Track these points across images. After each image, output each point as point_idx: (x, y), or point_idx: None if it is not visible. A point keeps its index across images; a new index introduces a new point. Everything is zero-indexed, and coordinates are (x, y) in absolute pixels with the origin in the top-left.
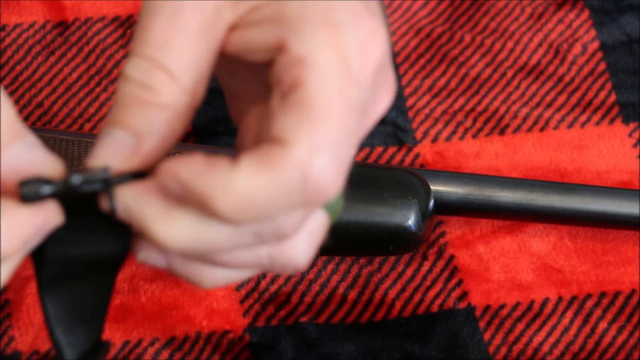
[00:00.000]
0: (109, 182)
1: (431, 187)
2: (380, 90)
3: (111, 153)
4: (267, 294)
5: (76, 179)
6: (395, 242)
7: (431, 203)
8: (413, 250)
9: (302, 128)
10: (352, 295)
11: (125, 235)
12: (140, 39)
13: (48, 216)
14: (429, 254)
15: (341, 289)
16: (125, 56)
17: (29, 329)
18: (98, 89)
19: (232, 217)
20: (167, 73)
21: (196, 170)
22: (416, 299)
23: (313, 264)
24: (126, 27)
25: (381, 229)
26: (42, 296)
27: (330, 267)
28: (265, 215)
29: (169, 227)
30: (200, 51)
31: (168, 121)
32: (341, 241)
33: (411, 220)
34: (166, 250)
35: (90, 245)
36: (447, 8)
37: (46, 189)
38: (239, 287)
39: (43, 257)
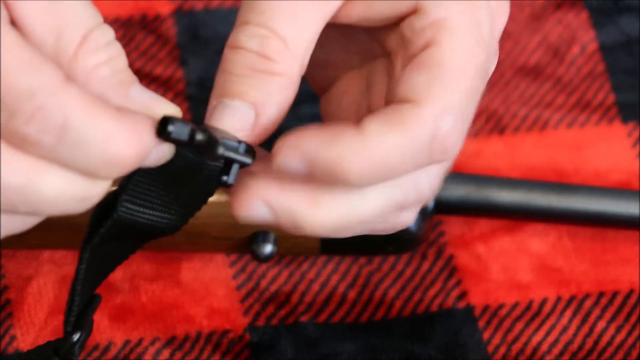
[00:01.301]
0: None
1: None
2: (495, 56)
3: (234, 125)
4: (267, 293)
5: (221, 150)
6: (394, 241)
7: (431, 203)
8: (412, 250)
9: (435, 88)
10: (352, 294)
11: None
12: (253, 6)
13: (164, 152)
14: (428, 254)
15: (341, 289)
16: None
17: (30, 328)
18: None
19: (364, 180)
20: (282, 41)
21: (322, 140)
22: (416, 298)
23: (313, 264)
24: (126, 28)
25: None
26: (87, 254)
27: (330, 266)
28: (393, 176)
29: (321, 215)
30: (315, 19)
31: (284, 91)
32: (340, 241)
33: None
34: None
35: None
36: None
37: (185, 133)
38: (239, 287)
39: (116, 211)
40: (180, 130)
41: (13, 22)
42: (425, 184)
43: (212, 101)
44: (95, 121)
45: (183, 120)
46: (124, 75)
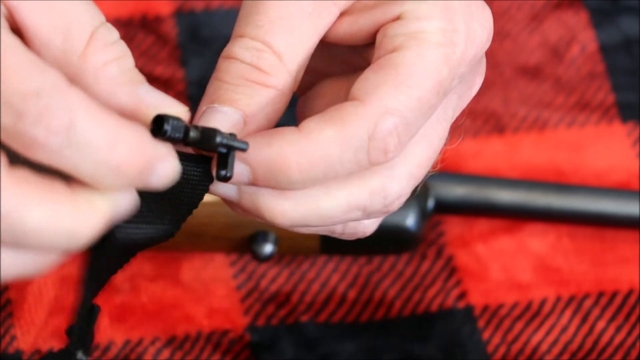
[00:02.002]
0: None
1: (430, 187)
2: (475, 75)
3: (223, 127)
4: (267, 293)
5: (220, 138)
6: (394, 241)
7: (430, 203)
8: (412, 250)
9: (383, 87)
10: (352, 294)
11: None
12: (249, 20)
13: (171, 162)
14: (428, 254)
15: (341, 289)
16: None
17: (31, 328)
18: None
19: (306, 178)
20: (276, 55)
21: (260, 140)
22: (415, 298)
23: (313, 263)
24: (127, 28)
25: (380, 228)
26: (90, 292)
27: (330, 266)
28: (336, 173)
29: (284, 206)
30: (310, 36)
31: (275, 103)
32: (340, 240)
33: (410, 220)
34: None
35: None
36: None
37: (181, 129)
38: (239, 287)
39: (113, 237)
40: (175, 127)
41: (17, 25)
42: (394, 193)
43: (202, 106)
44: (100, 124)
45: (176, 117)
46: (132, 74)
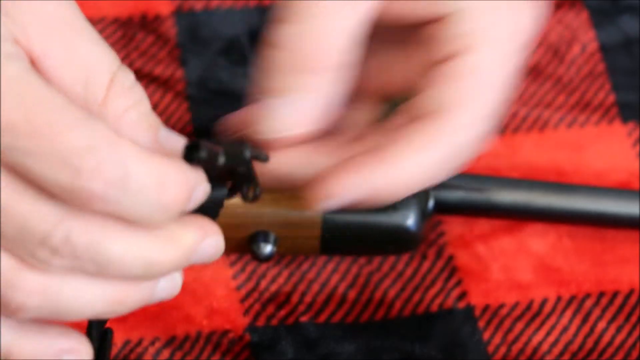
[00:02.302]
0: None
1: (430, 187)
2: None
3: (295, 119)
4: (267, 293)
5: (248, 152)
6: (394, 241)
7: (430, 203)
8: (412, 250)
9: (468, 99)
10: (352, 294)
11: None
12: (298, 5)
13: (204, 185)
14: (428, 254)
15: (341, 289)
16: (126, 57)
17: None
18: None
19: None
20: (330, 39)
21: (370, 172)
22: (416, 298)
23: (313, 264)
24: (126, 28)
25: (380, 228)
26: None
27: (330, 266)
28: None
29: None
30: (360, 16)
31: (333, 86)
32: (340, 240)
33: (410, 220)
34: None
35: None
36: None
37: (212, 154)
38: (239, 287)
39: None
40: (208, 152)
41: (42, 75)
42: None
43: (258, 97)
44: (150, 168)
45: (205, 141)
46: (151, 119)
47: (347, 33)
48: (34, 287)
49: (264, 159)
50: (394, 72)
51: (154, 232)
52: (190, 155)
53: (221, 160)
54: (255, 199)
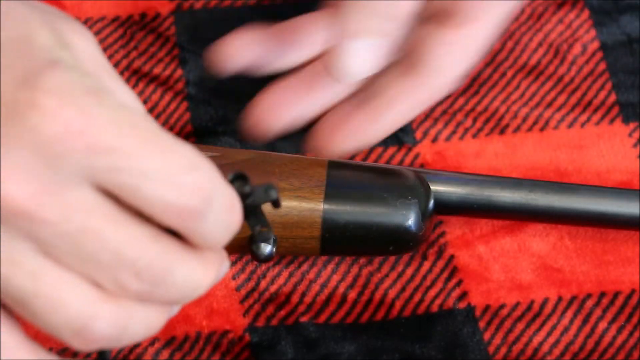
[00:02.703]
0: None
1: (431, 187)
2: None
3: (371, 59)
4: (267, 293)
5: (274, 192)
6: (395, 242)
7: (431, 203)
8: (413, 250)
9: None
10: (352, 295)
11: None
12: None
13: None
14: (428, 254)
15: (341, 289)
16: (125, 56)
17: (29, 328)
18: None
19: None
20: None
21: None
22: (416, 298)
23: (313, 264)
24: (126, 27)
25: (381, 229)
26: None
27: (330, 267)
28: None
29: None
30: None
31: (400, 32)
32: (340, 241)
33: (411, 221)
34: None
35: None
36: None
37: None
38: (239, 287)
39: None
40: (251, 187)
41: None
42: None
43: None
44: (227, 189)
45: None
46: None
47: None
48: (112, 318)
49: (277, 205)
50: None
51: (203, 255)
52: (235, 185)
53: (254, 198)
54: (268, 258)
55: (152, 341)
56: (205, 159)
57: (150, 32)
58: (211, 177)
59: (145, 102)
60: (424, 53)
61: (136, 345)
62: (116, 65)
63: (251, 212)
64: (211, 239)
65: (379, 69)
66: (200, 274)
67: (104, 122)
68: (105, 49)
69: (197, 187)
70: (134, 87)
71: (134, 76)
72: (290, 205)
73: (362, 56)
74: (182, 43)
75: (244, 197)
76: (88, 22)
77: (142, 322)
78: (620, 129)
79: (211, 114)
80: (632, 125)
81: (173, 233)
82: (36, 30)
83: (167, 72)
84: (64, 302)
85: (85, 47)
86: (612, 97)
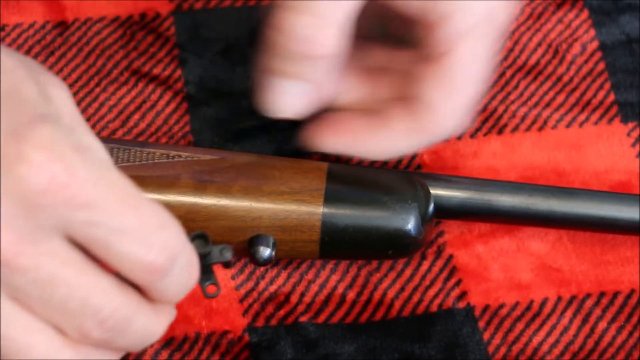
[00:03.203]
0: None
1: (431, 191)
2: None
3: (293, 101)
4: (266, 293)
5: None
6: (394, 246)
7: (431, 207)
8: (412, 254)
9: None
10: (351, 295)
11: None
12: None
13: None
14: (427, 254)
15: (340, 289)
16: (125, 57)
17: None
18: (97, 89)
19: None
20: (329, 26)
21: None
22: (415, 298)
23: (311, 265)
24: (126, 27)
25: (380, 232)
26: None
27: (329, 267)
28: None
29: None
30: (350, 8)
31: (329, 69)
32: (340, 245)
33: (411, 225)
34: None
35: None
36: None
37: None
38: (238, 287)
39: None
40: (211, 248)
41: None
42: None
43: (262, 74)
44: (190, 249)
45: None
46: None
47: (339, 24)
48: None
49: (229, 266)
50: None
51: (158, 306)
52: (194, 243)
53: (210, 257)
54: (213, 296)
55: None
56: (173, 218)
57: (150, 32)
58: (178, 236)
59: (144, 102)
60: (417, 94)
61: None
62: (116, 65)
63: (203, 269)
64: (169, 295)
65: (308, 113)
66: (155, 323)
67: (86, 179)
68: (105, 49)
69: (165, 246)
70: (133, 87)
71: (134, 76)
72: (290, 208)
73: (283, 96)
74: (181, 43)
75: (201, 256)
76: (88, 23)
77: None
78: (618, 129)
79: (211, 114)
80: (630, 125)
81: (132, 284)
82: (23, 83)
83: (167, 72)
84: (31, 346)
85: (63, 100)
86: (611, 97)
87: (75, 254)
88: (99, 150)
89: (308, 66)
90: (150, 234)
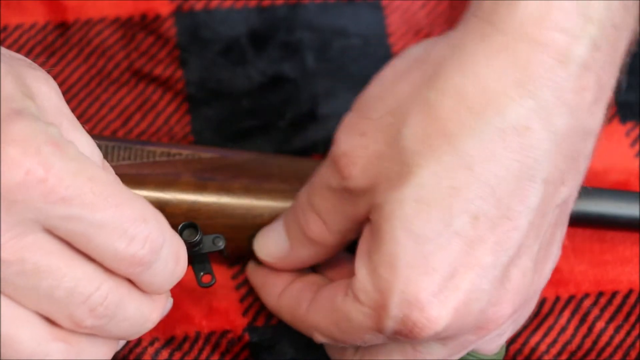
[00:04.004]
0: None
1: None
2: None
3: (270, 252)
4: None
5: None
6: None
7: None
8: None
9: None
10: None
11: None
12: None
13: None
14: None
15: None
16: (126, 57)
17: None
18: (99, 90)
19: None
20: (321, 221)
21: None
22: None
23: None
24: (127, 28)
25: None
26: None
27: None
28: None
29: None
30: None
31: (317, 254)
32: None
33: None
34: None
35: None
36: (447, 8)
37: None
38: (238, 286)
39: None
40: (200, 236)
41: None
42: None
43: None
44: (175, 240)
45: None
46: None
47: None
48: (62, 356)
49: (224, 255)
50: None
51: (153, 296)
52: (184, 233)
53: (201, 247)
54: (209, 285)
55: (152, 341)
56: (156, 210)
57: (150, 33)
58: (160, 229)
59: (145, 102)
60: None
61: (135, 345)
62: (117, 66)
63: (197, 259)
64: (156, 286)
65: None
66: (149, 308)
67: (63, 173)
68: (106, 50)
69: (146, 238)
70: (134, 87)
71: (135, 77)
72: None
73: None
74: (182, 44)
75: (192, 245)
76: (89, 23)
77: (93, 358)
78: (617, 129)
79: (211, 115)
80: (629, 125)
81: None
82: (2, 78)
83: (168, 73)
84: (19, 338)
85: (48, 94)
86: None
87: (58, 245)
88: (86, 145)
89: (297, 248)
90: (131, 227)
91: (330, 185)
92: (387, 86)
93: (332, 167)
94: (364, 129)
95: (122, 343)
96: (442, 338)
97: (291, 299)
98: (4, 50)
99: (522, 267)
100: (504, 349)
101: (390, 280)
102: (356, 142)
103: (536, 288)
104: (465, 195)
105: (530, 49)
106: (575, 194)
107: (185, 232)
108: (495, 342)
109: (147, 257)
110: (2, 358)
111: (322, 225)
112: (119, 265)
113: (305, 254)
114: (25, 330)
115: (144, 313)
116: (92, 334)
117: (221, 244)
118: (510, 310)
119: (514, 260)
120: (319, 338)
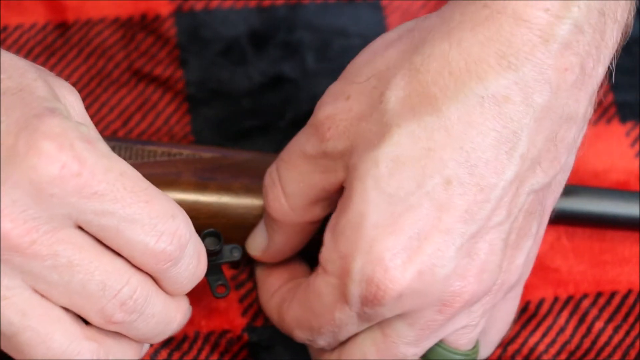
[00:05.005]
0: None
1: None
2: None
3: (255, 246)
4: None
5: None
6: None
7: None
8: None
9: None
10: None
11: None
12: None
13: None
14: None
15: None
16: (126, 57)
17: None
18: (99, 90)
19: None
20: (282, 197)
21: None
22: None
23: None
24: (127, 28)
25: None
26: None
27: None
28: None
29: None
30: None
31: (288, 237)
32: None
33: None
34: None
35: None
36: None
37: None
38: (237, 286)
39: None
40: (221, 246)
41: None
42: None
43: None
44: (197, 239)
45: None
46: None
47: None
48: (92, 355)
49: (237, 266)
50: None
51: (176, 297)
52: (206, 241)
53: (220, 256)
54: (223, 296)
55: None
56: (181, 208)
57: (150, 33)
58: (186, 225)
59: (145, 102)
60: None
61: None
62: (117, 66)
63: (212, 269)
64: (179, 284)
65: None
66: (173, 308)
67: (96, 168)
68: (106, 50)
69: (175, 234)
70: (134, 88)
71: (135, 77)
72: None
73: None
74: (182, 44)
75: (212, 254)
76: (89, 23)
77: (120, 357)
78: (617, 129)
79: (210, 114)
80: (629, 125)
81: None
82: (34, 82)
83: (168, 73)
84: (50, 336)
85: (73, 101)
86: (610, 97)
87: (89, 240)
88: (106, 146)
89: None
90: (160, 222)
91: (304, 152)
92: (375, 53)
93: (311, 132)
94: (349, 92)
95: (146, 348)
96: (406, 312)
97: (278, 299)
98: (29, 62)
99: (490, 243)
100: (478, 348)
101: (354, 241)
102: (340, 105)
103: (507, 278)
104: (440, 156)
105: (515, 23)
106: (556, 188)
107: (208, 240)
108: (466, 335)
109: (175, 252)
110: (32, 358)
111: (283, 202)
112: (148, 260)
113: (278, 240)
114: (59, 328)
115: (170, 312)
116: (120, 333)
117: (237, 255)
118: (476, 287)
119: (483, 233)
120: (299, 335)
